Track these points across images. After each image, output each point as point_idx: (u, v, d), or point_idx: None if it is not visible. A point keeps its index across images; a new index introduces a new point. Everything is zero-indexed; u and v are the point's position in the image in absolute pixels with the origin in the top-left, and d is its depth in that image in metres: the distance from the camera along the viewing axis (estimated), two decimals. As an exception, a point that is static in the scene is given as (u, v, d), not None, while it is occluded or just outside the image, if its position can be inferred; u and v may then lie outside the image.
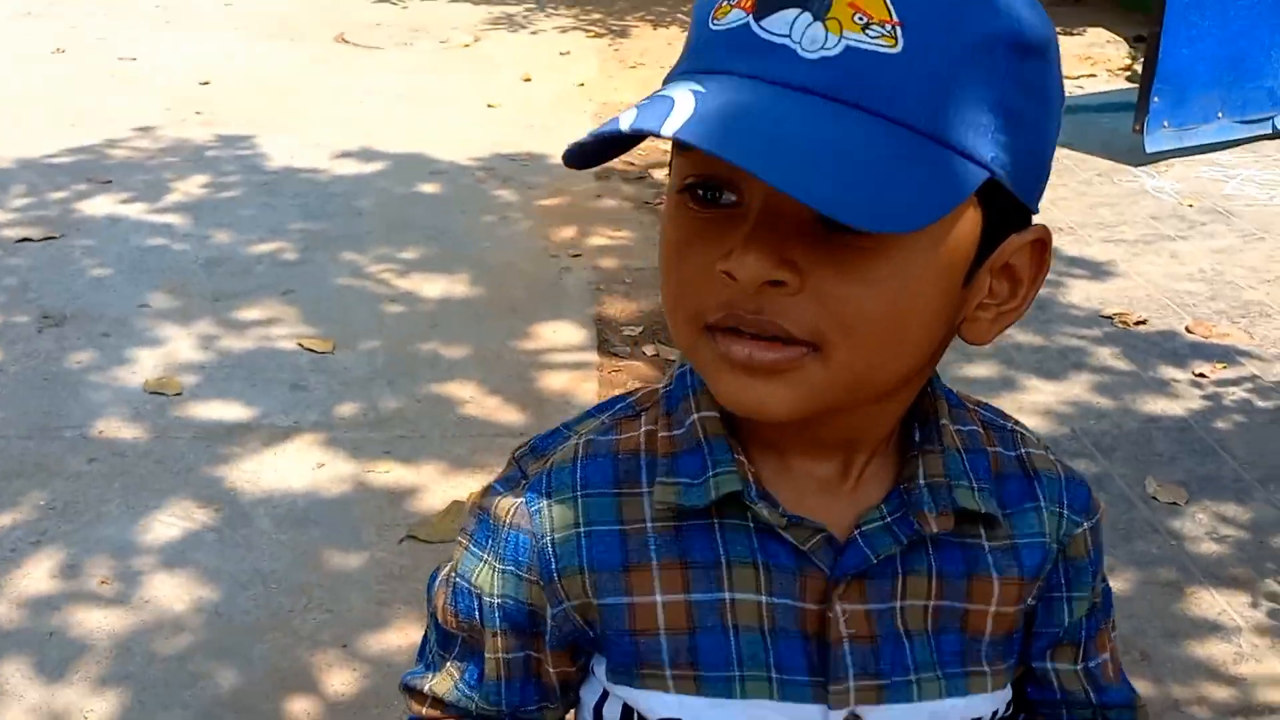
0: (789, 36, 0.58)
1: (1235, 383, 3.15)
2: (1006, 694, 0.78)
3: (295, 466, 2.74)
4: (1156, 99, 4.75)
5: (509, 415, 2.97)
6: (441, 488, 2.65)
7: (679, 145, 0.61)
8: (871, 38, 0.57)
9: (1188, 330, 3.42)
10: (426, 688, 0.82)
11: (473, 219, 4.23)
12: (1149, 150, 4.80)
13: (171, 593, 2.33)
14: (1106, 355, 3.29)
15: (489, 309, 3.53)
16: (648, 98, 0.61)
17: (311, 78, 6.03)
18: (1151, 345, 3.35)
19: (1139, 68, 5.41)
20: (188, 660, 2.16)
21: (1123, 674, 0.86)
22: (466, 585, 0.77)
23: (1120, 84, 6.14)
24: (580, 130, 4.42)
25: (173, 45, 6.51)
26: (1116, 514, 2.56)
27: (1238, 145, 5.00)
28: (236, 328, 3.38)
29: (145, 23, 7.01)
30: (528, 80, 6.13)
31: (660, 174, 4.52)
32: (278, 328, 3.39)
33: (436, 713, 0.82)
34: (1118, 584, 2.31)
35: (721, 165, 0.58)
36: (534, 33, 7.24)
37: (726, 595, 0.71)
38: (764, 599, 0.71)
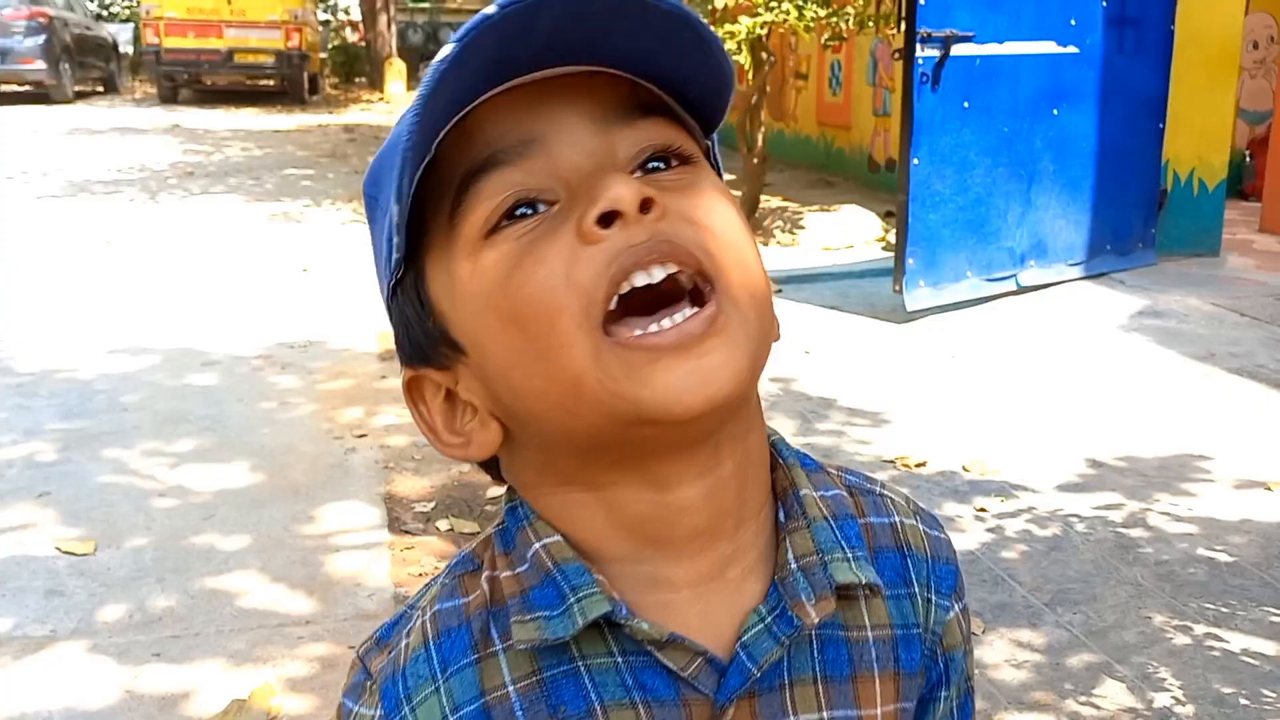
0: None
1: (1014, 514, 3.27)
2: None
3: (52, 679, 2.46)
4: (911, 261, 5.08)
5: (293, 603, 2.78)
6: (219, 687, 2.43)
7: (464, 188, 0.58)
8: None
9: (964, 469, 3.56)
10: None
11: (250, 407, 4.06)
12: (910, 309, 5.10)
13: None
14: (893, 497, 3.36)
15: (269, 496, 3.35)
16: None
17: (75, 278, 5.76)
18: (934, 485, 3.46)
19: (892, 238, 5.79)
20: None
21: None
22: None
23: (877, 253, 6.56)
24: (354, 316, 4.30)
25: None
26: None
27: (988, 301, 5.37)
28: (-17, 535, 3.08)
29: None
30: (305, 271, 6.05)
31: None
32: (31, 533, 3.10)
33: None
34: None
35: (545, 176, 0.57)
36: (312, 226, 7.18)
37: None
38: None
